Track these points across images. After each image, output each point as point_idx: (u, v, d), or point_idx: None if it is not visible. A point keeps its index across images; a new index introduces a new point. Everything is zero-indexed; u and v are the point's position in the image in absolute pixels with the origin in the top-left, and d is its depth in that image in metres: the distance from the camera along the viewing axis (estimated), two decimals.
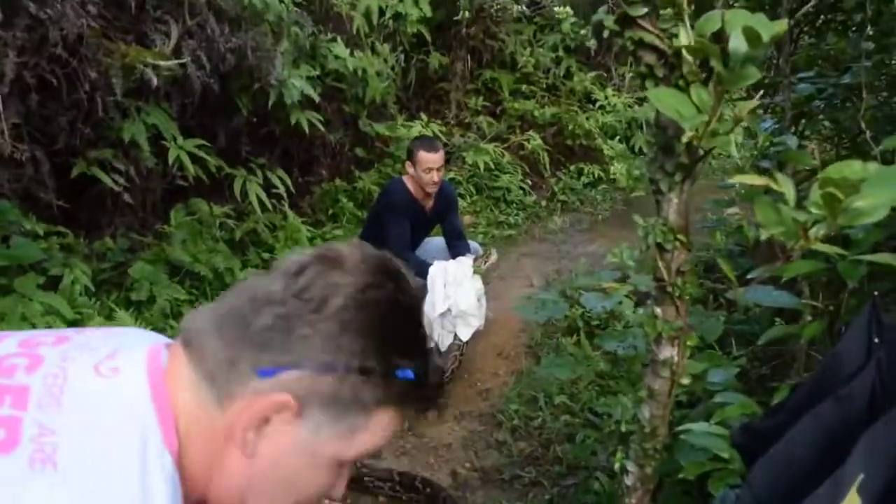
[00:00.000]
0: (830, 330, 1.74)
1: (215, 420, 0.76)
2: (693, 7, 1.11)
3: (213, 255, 4.07)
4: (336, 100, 5.23)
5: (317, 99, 4.65)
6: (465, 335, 3.64)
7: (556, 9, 7.20)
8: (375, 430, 0.79)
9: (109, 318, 3.38)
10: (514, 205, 6.56)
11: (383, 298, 0.78)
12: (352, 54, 5.07)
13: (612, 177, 7.09)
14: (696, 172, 1.18)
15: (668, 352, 1.38)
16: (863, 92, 2.07)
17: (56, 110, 3.17)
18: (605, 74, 8.00)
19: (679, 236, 1.25)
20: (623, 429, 1.56)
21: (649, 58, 1.12)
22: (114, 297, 3.62)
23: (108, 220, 3.87)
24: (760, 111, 2.94)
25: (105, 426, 0.70)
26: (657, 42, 1.10)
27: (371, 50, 5.49)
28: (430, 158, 3.87)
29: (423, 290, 3.75)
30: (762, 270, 1.42)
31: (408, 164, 3.96)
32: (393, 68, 5.74)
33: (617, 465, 1.56)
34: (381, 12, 5.57)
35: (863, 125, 1.91)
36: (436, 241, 4.23)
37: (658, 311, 1.36)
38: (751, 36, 0.95)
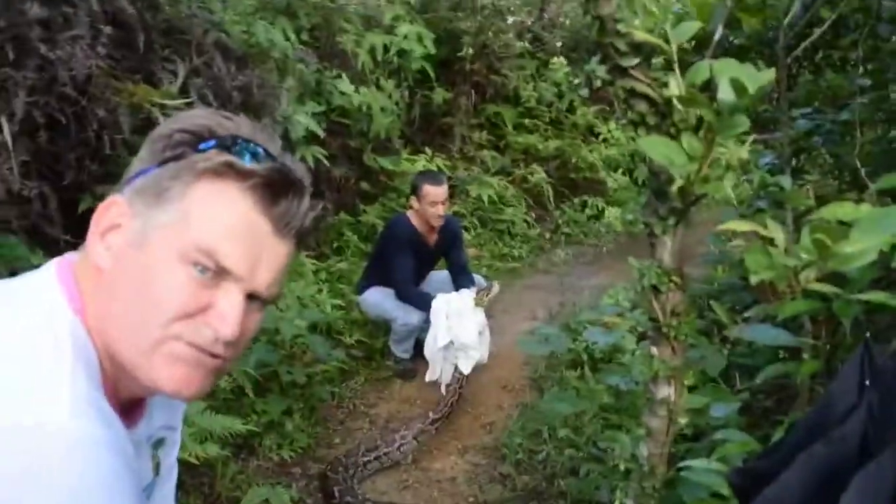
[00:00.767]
0: (829, 367, 1.75)
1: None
2: (693, 43, 1.14)
3: None
4: (341, 135, 5.29)
5: (322, 134, 4.70)
6: (465, 368, 3.64)
7: (552, 60, 7.31)
8: (201, 210, 0.80)
9: None
10: (518, 237, 6.58)
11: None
12: (357, 90, 5.13)
13: (606, 220, 7.12)
14: (689, 216, 1.21)
15: (664, 391, 1.39)
16: (858, 129, 2.10)
17: (64, 147, 3.21)
18: (608, 108, 8.06)
19: (673, 278, 1.27)
20: (622, 467, 1.57)
21: (641, 106, 1.15)
22: None
23: None
24: (760, 146, 2.97)
25: (20, 303, 0.79)
26: (649, 91, 1.13)
27: (376, 86, 5.55)
28: (435, 192, 3.91)
29: (427, 322, 3.77)
30: (758, 310, 1.43)
31: (412, 198, 3.99)
32: (397, 104, 5.80)
33: (617, 503, 1.57)
34: (386, 49, 5.64)
35: (858, 163, 1.93)
36: (441, 274, 4.26)
37: (654, 350, 1.37)
38: (738, 87, 0.97)
